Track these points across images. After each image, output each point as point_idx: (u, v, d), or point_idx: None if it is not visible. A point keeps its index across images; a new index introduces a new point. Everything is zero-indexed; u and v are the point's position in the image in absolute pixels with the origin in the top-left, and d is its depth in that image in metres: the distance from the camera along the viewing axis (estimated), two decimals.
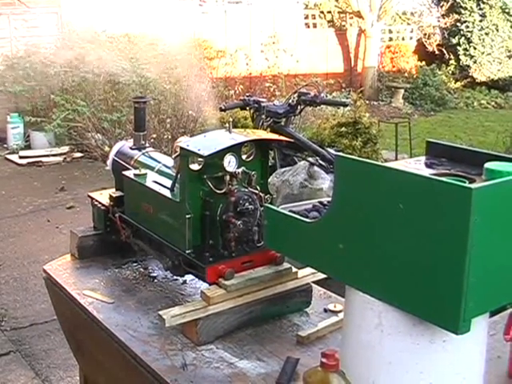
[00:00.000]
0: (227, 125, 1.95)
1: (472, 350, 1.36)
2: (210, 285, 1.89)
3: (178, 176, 1.96)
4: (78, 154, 9.26)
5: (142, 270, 2.34)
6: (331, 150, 4.67)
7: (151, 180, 2.14)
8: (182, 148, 1.89)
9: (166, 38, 9.85)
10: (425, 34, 16.54)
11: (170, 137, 8.17)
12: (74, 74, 8.63)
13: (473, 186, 1.17)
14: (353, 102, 7.12)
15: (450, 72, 16.20)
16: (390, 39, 16.53)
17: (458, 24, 16.14)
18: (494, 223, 1.21)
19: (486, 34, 16.06)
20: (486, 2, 15.94)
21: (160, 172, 2.23)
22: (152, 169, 2.26)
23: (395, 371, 1.35)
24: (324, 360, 1.30)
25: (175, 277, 2.20)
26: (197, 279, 2.08)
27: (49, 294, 2.47)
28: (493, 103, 15.15)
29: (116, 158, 2.50)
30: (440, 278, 1.21)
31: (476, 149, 1.59)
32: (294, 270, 1.99)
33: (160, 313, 1.81)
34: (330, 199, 1.51)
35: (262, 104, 4.50)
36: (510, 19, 16.05)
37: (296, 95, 4.59)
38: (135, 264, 2.38)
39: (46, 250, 5.64)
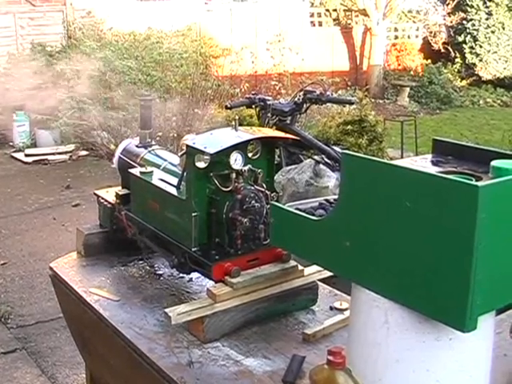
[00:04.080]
0: (233, 123, 1.95)
1: (478, 347, 1.36)
2: (216, 282, 1.89)
3: (184, 174, 1.96)
4: (84, 152, 9.25)
5: (147, 267, 2.34)
6: (337, 148, 4.67)
7: (157, 178, 2.14)
8: (188, 146, 1.89)
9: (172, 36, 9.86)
10: (430, 32, 16.47)
11: (175, 135, 8.17)
12: (81, 72, 8.65)
13: (479, 183, 1.17)
14: (358, 100, 7.09)
15: (456, 70, 16.13)
16: (396, 37, 16.48)
17: (464, 22, 16.05)
18: (500, 221, 1.21)
19: (492, 32, 15.99)
20: (492, 0, 15.85)
21: (166, 170, 2.23)
22: (158, 167, 2.26)
23: (401, 369, 1.35)
24: (330, 358, 1.30)
25: (181, 274, 2.20)
26: (203, 277, 2.08)
27: (55, 291, 2.47)
28: (499, 101, 15.07)
29: (122, 156, 2.51)
30: (447, 275, 1.20)
31: (482, 147, 1.59)
32: (300, 267, 1.99)
33: (166, 310, 1.81)
34: (336, 197, 1.51)
35: (268, 102, 4.50)
36: None
37: (302, 93, 4.58)
38: (141, 262, 2.38)
39: (52, 248, 5.65)
